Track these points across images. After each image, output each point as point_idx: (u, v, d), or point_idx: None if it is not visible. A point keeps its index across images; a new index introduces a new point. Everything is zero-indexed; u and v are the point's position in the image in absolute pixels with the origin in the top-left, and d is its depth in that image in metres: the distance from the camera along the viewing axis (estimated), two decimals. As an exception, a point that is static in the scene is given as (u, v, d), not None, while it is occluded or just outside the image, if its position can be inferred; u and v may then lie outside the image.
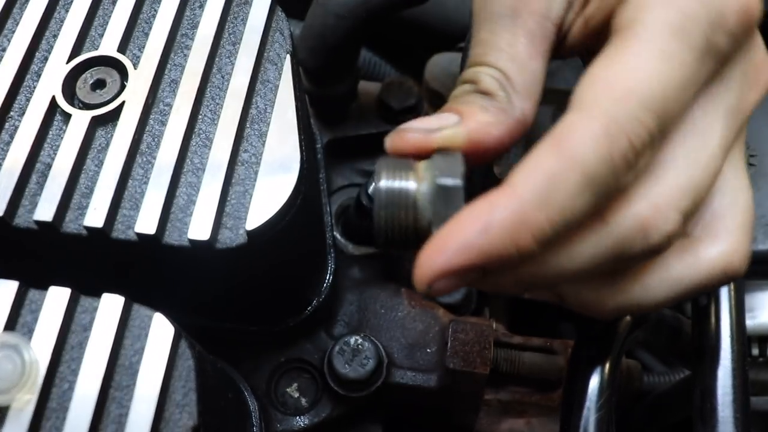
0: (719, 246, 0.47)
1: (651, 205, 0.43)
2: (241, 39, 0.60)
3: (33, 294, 0.49)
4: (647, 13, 0.44)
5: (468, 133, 0.46)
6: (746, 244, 0.47)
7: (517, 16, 0.48)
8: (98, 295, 0.49)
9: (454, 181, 0.43)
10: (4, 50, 0.59)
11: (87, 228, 0.53)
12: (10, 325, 0.48)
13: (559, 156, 0.41)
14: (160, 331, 0.48)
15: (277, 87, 0.58)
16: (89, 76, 0.58)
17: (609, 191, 0.42)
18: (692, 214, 0.45)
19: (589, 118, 0.41)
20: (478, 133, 0.46)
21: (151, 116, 0.57)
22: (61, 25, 0.60)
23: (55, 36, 0.60)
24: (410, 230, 0.43)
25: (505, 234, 0.40)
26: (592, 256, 0.43)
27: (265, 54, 0.60)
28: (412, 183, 0.44)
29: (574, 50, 0.51)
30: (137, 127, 0.56)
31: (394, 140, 0.48)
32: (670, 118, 0.43)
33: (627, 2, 0.46)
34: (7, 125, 0.56)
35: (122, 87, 0.57)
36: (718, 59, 0.45)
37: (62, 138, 0.55)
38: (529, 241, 0.40)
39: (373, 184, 0.42)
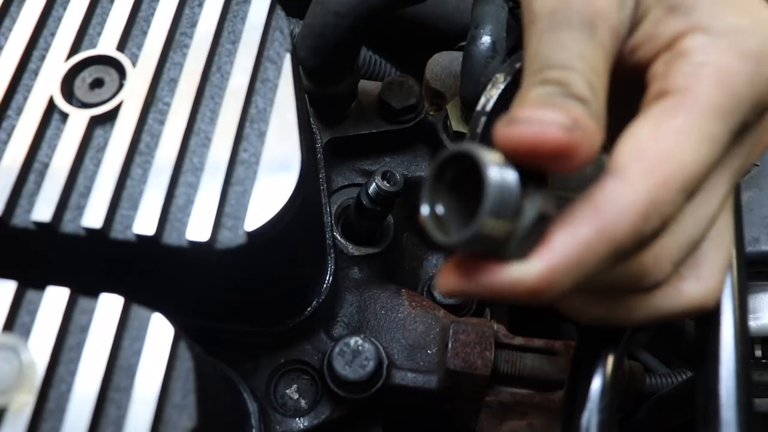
0: (701, 285, 0.51)
1: (651, 257, 0.47)
2: (240, 38, 0.60)
3: (31, 294, 0.49)
4: (700, 85, 0.45)
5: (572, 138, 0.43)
6: (722, 282, 0.53)
7: (595, 28, 0.46)
8: (97, 296, 0.49)
9: (549, 208, 0.43)
10: (1, 48, 0.59)
11: (85, 228, 0.52)
12: (8, 325, 0.48)
13: (597, 228, 0.43)
14: (159, 331, 0.48)
15: (276, 86, 0.58)
16: (87, 75, 0.58)
17: (631, 253, 0.45)
18: (684, 262, 0.49)
19: (631, 192, 0.43)
20: (584, 140, 0.43)
21: (150, 115, 0.57)
22: (59, 24, 0.60)
23: (53, 34, 0.60)
24: (491, 245, 0.42)
25: (529, 291, 0.43)
26: (589, 284, 0.46)
27: (265, 53, 0.60)
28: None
29: (620, 75, 0.49)
30: (136, 126, 0.55)
31: (510, 130, 0.42)
32: (696, 186, 0.46)
33: (681, 62, 0.46)
34: (4, 124, 0.56)
35: (121, 86, 0.57)
36: (745, 132, 0.48)
37: (60, 137, 0.55)
38: (551, 294, 0.44)
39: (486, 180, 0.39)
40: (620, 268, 0.47)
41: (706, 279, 0.51)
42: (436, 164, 0.43)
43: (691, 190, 0.45)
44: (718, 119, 0.45)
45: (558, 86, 0.44)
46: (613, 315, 0.52)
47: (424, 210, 0.44)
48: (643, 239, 0.44)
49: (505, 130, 0.42)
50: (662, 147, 0.44)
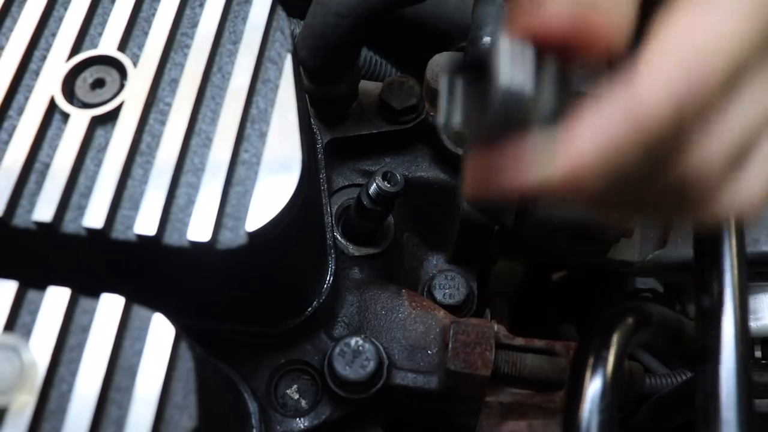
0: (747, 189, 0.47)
1: (695, 163, 0.43)
2: (241, 38, 0.60)
3: (32, 294, 0.49)
4: None
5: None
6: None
7: None
8: (98, 296, 0.49)
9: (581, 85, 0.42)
10: (2, 48, 0.58)
11: (86, 228, 0.52)
12: (9, 325, 0.47)
13: (626, 115, 0.40)
14: (160, 332, 0.48)
15: (277, 86, 0.58)
16: (88, 75, 0.58)
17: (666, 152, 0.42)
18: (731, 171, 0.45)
19: (664, 77, 0.40)
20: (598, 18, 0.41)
21: (151, 116, 0.57)
22: (60, 24, 0.60)
23: (54, 34, 0.60)
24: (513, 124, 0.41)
25: (559, 186, 0.41)
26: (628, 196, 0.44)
27: (266, 53, 0.60)
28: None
29: None
30: (137, 126, 0.55)
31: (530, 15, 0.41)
32: (741, 83, 0.42)
33: None
34: (5, 124, 0.56)
35: (122, 86, 0.57)
36: None
37: (61, 137, 0.55)
38: (581, 190, 0.41)
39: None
40: (659, 180, 0.43)
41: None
42: (450, 70, 0.42)
43: (733, 78, 0.41)
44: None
45: None
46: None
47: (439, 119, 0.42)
48: (679, 134, 0.40)
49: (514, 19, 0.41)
50: (699, 30, 0.41)
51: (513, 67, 0.38)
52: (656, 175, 0.43)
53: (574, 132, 0.41)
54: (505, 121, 0.39)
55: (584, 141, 0.40)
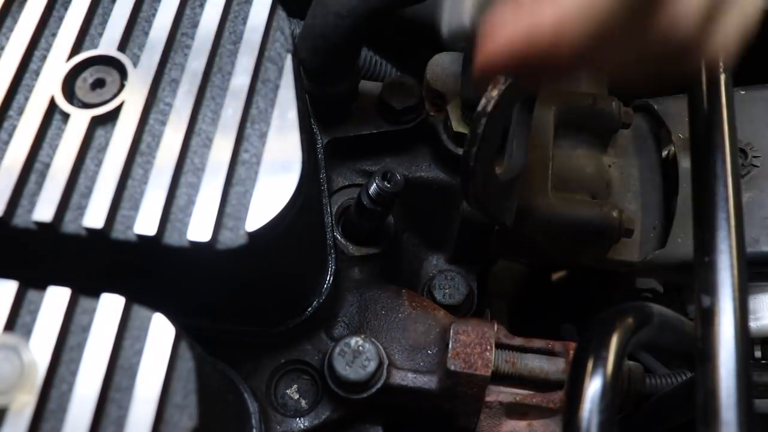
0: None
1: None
2: (241, 38, 0.60)
3: (32, 294, 0.49)
4: None
5: None
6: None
7: None
8: (98, 296, 0.49)
9: None
10: (2, 49, 0.59)
11: (86, 228, 0.52)
12: (9, 325, 0.48)
13: None
14: (160, 331, 0.48)
15: (278, 87, 0.58)
16: (89, 75, 0.58)
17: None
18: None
19: None
20: None
21: (151, 116, 0.57)
22: (60, 24, 0.60)
23: (54, 35, 0.60)
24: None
25: (548, 39, 0.45)
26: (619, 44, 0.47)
27: (266, 53, 0.60)
28: None
29: None
30: (137, 126, 0.55)
31: None
32: None
33: None
34: (5, 124, 0.56)
35: (122, 86, 0.57)
36: None
37: (61, 137, 0.55)
38: (566, 50, 0.45)
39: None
40: (641, 32, 0.46)
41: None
42: None
43: None
44: None
45: None
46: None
47: None
48: None
49: None
50: None
51: None
52: (637, 27, 0.47)
53: None
54: None
55: None
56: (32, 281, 0.49)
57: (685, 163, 0.85)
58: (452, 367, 0.70)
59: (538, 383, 0.73)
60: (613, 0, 0.44)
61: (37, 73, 0.58)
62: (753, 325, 0.83)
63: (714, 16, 0.49)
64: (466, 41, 0.48)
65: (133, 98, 0.56)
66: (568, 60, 0.46)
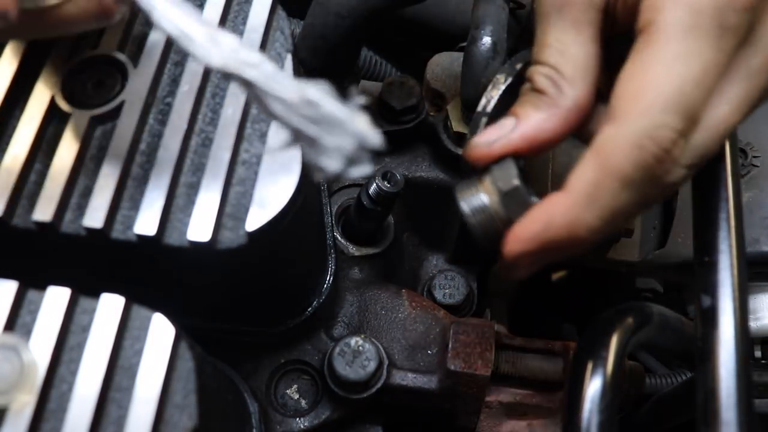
0: None
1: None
2: (241, 38, 0.60)
3: (32, 294, 0.49)
4: (660, 15, 0.50)
5: (522, 136, 0.54)
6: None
7: (562, 9, 0.53)
8: (98, 296, 0.49)
9: (513, 182, 0.55)
10: (3, 49, 0.59)
11: (86, 228, 0.52)
12: (9, 325, 0.48)
13: (600, 167, 0.49)
14: (160, 331, 0.48)
15: (277, 86, 0.58)
16: (89, 76, 0.58)
17: (650, 185, 0.50)
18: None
19: (621, 130, 0.49)
20: (532, 132, 0.54)
21: (151, 116, 0.57)
22: (61, 24, 0.60)
23: (55, 35, 0.60)
24: (500, 230, 0.55)
25: (562, 230, 0.51)
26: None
27: (266, 53, 0.60)
28: (483, 196, 0.56)
29: (624, 29, 0.54)
30: (137, 126, 0.55)
31: (465, 155, 0.57)
32: (698, 104, 0.50)
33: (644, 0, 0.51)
34: (6, 125, 0.56)
35: (122, 86, 0.57)
36: (738, 34, 0.50)
37: (61, 137, 0.55)
38: (584, 234, 0.50)
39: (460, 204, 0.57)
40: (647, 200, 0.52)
41: None
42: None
43: (686, 109, 0.49)
44: (687, 36, 0.49)
45: (528, 83, 0.55)
46: None
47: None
48: (650, 167, 0.49)
49: (464, 154, 0.57)
50: (643, 83, 0.49)
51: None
52: (645, 199, 0.51)
53: (567, 185, 0.51)
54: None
55: (571, 189, 0.51)
56: (32, 281, 0.49)
57: (685, 163, 0.85)
58: (452, 367, 0.70)
59: (538, 383, 0.73)
60: (614, 184, 0.49)
61: (37, 73, 0.58)
62: (753, 324, 0.83)
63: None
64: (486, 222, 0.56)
65: (132, 98, 0.56)
66: (585, 240, 0.51)
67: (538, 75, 0.54)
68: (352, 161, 0.44)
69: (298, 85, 0.44)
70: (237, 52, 0.45)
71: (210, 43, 0.45)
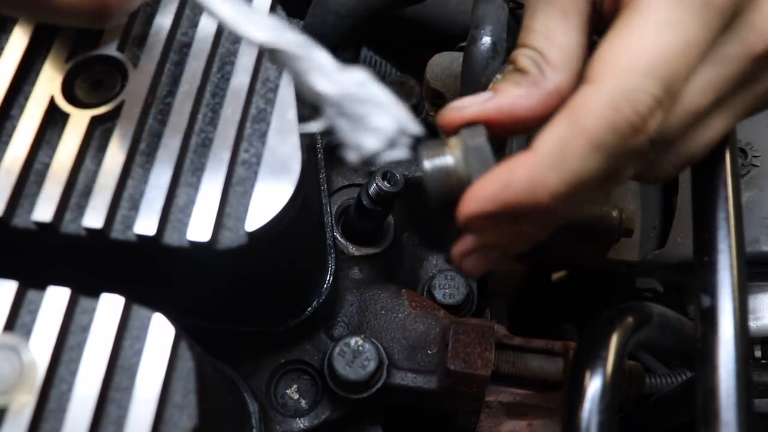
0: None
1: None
2: (241, 38, 0.60)
3: (32, 294, 0.49)
4: None
5: (497, 105, 0.52)
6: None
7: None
8: (97, 296, 0.49)
9: (479, 140, 0.52)
10: (2, 49, 0.59)
11: (86, 228, 0.52)
12: (9, 325, 0.48)
13: (570, 125, 0.47)
14: (160, 331, 0.48)
15: (277, 86, 0.58)
16: (88, 76, 0.58)
17: (621, 153, 0.47)
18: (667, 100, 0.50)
19: (597, 90, 0.47)
20: (508, 105, 0.52)
21: (151, 116, 0.57)
22: (61, 24, 0.60)
23: (54, 35, 0.60)
24: (457, 189, 0.52)
25: (522, 191, 0.48)
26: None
27: (266, 53, 0.60)
28: (448, 156, 0.53)
29: (610, 21, 0.54)
30: (137, 126, 0.55)
31: (438, 118, 0.55)
32: (679, 77, 0.48)
33: None
34: (5, 125, 0.56)
35: (122, 86, 0.57)
36: (723, 16, 0.49)
37: (61, 138, 0.55)
38: (546, 198, 0.48)
39: (420, 163, 0.53)
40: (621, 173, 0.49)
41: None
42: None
43: (667, 78, 0.47)
44: (671, 7, 0.48)
45: (510, 65, 0.54)
46: None
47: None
48: (623, 133, 0.47)
49: (437, 117, 0.55)
50: (623, 48, 0.48)
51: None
52: (616, 175, 0.50)
53: (534, 143, 0.49)
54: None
55: (538, 149, 0.48)
56: (32, 281, 0.49)
57: (684, 163, 0.85)
58: (452, 367, 0.70)
59: (538, 383, 0.73)
60: (584, 146, 0.47)
61: (37, 73, 0.58)
62: (753, 324, 0.83)
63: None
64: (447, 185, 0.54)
65: (132, 98, 0.56)
66: (547, 208, 0.48)
67: (522, 56, 0.53)
68: (390, 144, 0.44)
69: (342, 66, 0.45)
70: (281, 31, 0.46)
71: (255, 23, 0.47)
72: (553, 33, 0.53)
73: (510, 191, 0.48)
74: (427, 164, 0.53)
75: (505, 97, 0.53)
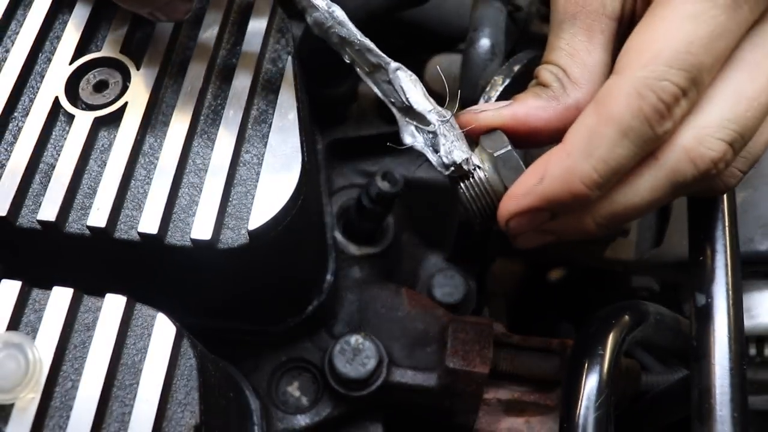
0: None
1: (694, 136, 0.50)
2: (242, 39, 0.61)
3: (36, 293, 0.49)
4: None
5: (513, 113, 0.54)
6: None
7: (575, 17, 0.54)
8: (101, 295, 0.49)
9: (505, 149, 0.53)
10: (7, 51, 0.59)
11: (90, 228, 0.53)
12: (14, 324, 0.48)
13: (598, 114, 0.49)
14: (163, 330, 0.49)
15: (278, 88, 0.59)
16: (92, 77, 0.58)
17: (648, 138, 0.49)
18: (742, 142, 0.51)
19: (623, 79, 0.49)
20: (523, 114, 0.54)
21: (154, 117, 0.57)
22: (64, 27, 0.60)
23: (59, 37, 0.60)
24: (497, 202, 0.53)
25: (557, 182, 0.50)
26: (651, 189, 0.51)
27: (267, 55, 0.60)
28: (478, 173, 0.54)
29: None
30: (140, 127, 0.56)
31: (458, 120, 0.56)
32: (704, 68, 0.48)
33: None
34: (10, 126, 0.56)
35: (125, 88, 0.58)
36: (754, 10, 0.49)
37: (65, 139, 0.56)
38: (580, 186, 0.49)
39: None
40: (668, 155, 0.50)
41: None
42: None
43: (691, 68, 0.48)
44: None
45: (534, 79, 0.55)
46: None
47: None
48: (650, 119, 0.48)
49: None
50: (648, 39, 0.49)
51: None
52: (652, 159, 0.50)
53: (566, 136, 0.50)
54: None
55: (570, 139, 0.50)
56: (37, 281, 0.50)
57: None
58: (451, 365, 0.71)
59: (536, 381, 0.74)
60: (613, 133, 0.48)
61: (41, 75, 0.59)
62: (747, 322, 0.83)
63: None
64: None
65: (135, 100, 0.57)
66: (583, 196, 0.50)
67: (545, 71, 0.55)
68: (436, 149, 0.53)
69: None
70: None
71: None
72: (576, 51, 0.54)
73: (546, 184, 0.50)
74: (462, 188, 0.55)
75: (522, 107, 0.54)
